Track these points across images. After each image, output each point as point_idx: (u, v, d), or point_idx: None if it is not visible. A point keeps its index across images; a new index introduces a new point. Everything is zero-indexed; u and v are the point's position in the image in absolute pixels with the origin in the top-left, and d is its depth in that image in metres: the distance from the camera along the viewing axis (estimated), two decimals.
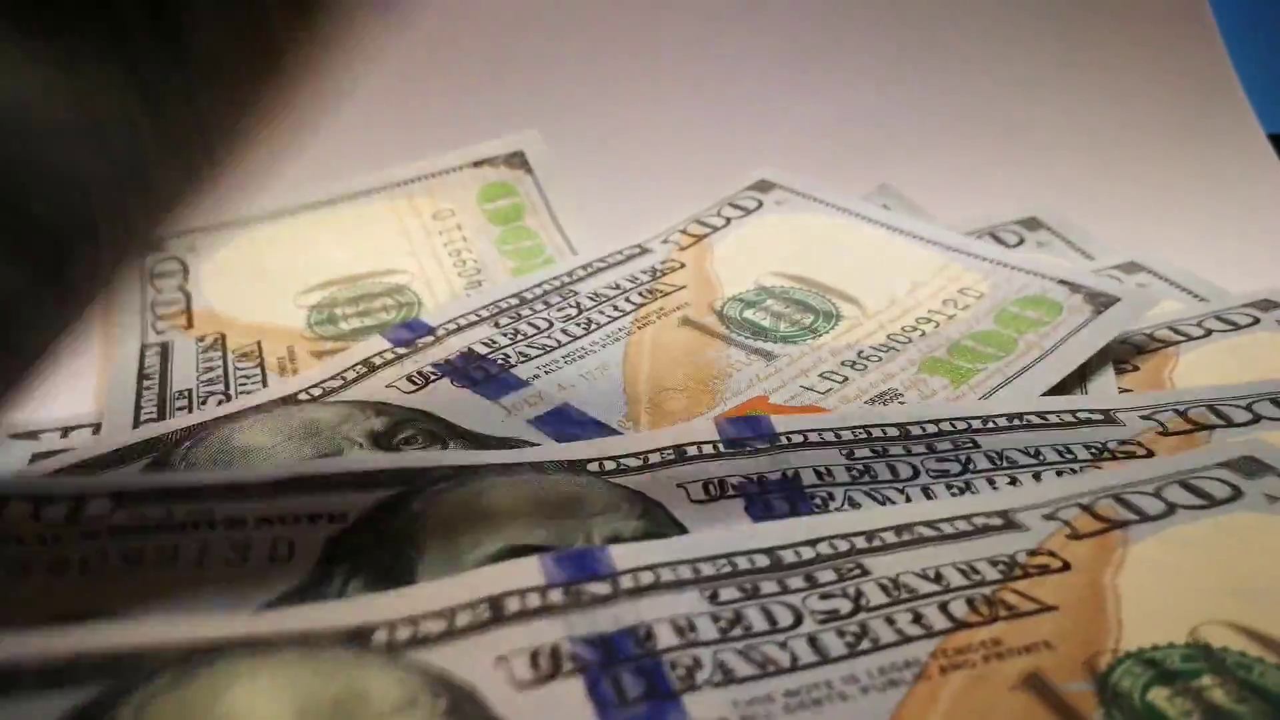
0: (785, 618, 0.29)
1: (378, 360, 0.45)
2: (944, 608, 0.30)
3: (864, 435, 0.39)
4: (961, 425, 0.39)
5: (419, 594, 0.29)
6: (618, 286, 0.50)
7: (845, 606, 0.30)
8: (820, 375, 0.44)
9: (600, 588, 0.29)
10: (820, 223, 0.55)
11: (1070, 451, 0.38)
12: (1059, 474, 0.37)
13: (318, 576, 0.32)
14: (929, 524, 0.33)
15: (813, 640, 0.29)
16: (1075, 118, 0.71)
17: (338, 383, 0.43)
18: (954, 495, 0.36)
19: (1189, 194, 0.66)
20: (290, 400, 0.42)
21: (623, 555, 0.31)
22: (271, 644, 0.27)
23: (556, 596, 0.29)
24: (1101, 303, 0.47)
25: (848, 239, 0.53)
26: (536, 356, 0.45)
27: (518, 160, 0.60)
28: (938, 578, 0.31)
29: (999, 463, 0.38)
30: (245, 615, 0.29)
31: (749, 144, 0.68)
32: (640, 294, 0.49)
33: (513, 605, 0.29)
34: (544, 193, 0.58)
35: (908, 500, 0.36)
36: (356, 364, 0.44)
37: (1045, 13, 0.73)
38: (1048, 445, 0.39)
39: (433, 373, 0.44)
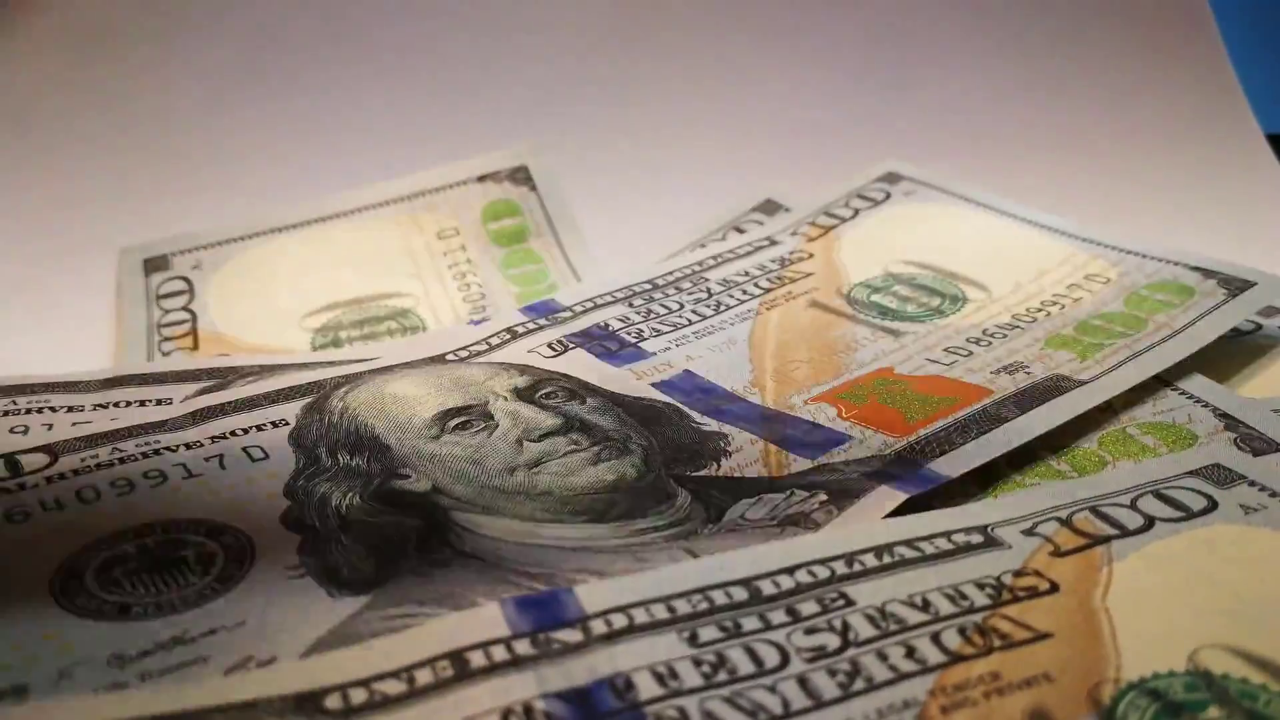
0: (771, 658, 0.26)
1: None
2: (936, 639, 0.27)
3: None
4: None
5: (372, 652, 0.25)
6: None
7: (833, 642, 0.27)
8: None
9: (570, 635, 0.26)
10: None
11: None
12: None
13: (312, 461, 0.37)
14: (909, 543, 0.31)
15: (803, 681, 0.26)
16: (1075, 118, 0.69)
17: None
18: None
19: (1188, 193, 0.65)
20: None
21: (592, 597, 0.27)
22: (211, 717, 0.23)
23: (524, 647, 0.26)
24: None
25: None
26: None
27: (522, 175, 0.58)
28: (925, 605, 0.29)
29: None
30: (178, 688, 0.25)
31: (752, 151, 0.67)
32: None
33: (477, 659, 0.25)
34: (547, 211, 0.57)
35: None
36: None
37: (1047, 13, 0.72)
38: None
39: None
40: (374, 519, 0.34)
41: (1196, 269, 0.47)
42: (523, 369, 0.42)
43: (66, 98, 0.64)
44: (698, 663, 0.26)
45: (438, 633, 0.26)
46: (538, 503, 0.35)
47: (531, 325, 0.46)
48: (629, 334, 0.45)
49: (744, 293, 0.49)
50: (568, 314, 0.47)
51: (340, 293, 0.52)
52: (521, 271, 0.54)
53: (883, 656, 0.27)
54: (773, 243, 0.53)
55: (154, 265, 0.54)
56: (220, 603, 0.31)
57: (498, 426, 0.38)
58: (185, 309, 0.51)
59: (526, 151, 0.58)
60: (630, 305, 0.48)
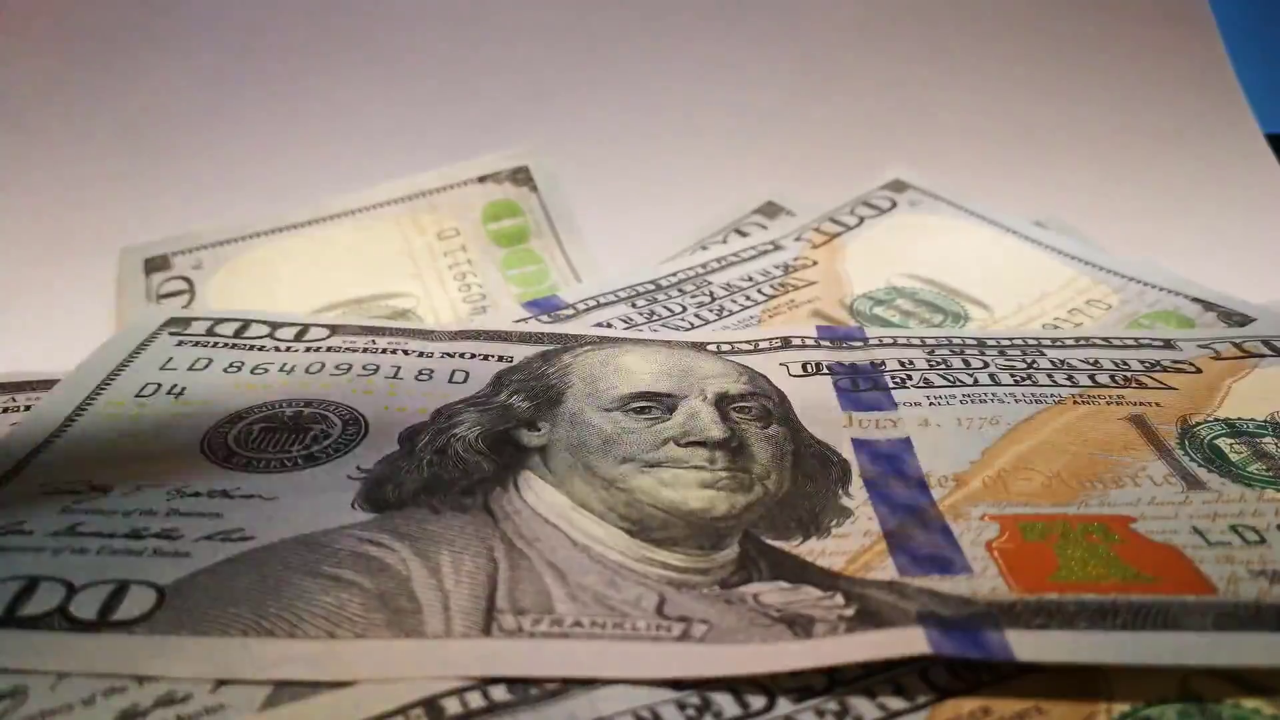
0: (757, 700, 0.25)
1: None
2: (924, 674, 0.26)
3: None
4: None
5: (343, 701, 0.24)
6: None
7: (820, 681, 0.26)
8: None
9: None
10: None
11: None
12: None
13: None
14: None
15: None
16: (1076, 118, 0.68)
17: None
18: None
19: (1187, 193, 0.64)
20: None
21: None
22: None
23: (500, 693, 0.24)
24: (1236, 321, 0.45)
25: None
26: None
27: (522, 176, 0.56)
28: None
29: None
30: None
31: (753, 152, 0.65)
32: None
33: (453, 707, 0.24)
34: (548, 212, 0.55)
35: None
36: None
37: (1046, 14, 0.71)
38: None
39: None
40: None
41: (1197, 301, 0.47)
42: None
43: (67, 98, 0.63)
44: (681, 706, 0.25)
45: (411, 679, 0.25)
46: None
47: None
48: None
49: (747, 298, 0.48)
50: (570, 311, 0.46)
51: (341, 293, 0.51)
52: (522, 272, 0.53)
53: (871, 694, 0.26)
54: (777, 247, 0.52)
55: (155, 265, 0.53)
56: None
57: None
58: (186, 309, 0.50)
59: (527, 152, 0.57)
60: (633, 305, 0.47)
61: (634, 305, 0.47)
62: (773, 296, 0.48)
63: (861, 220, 0.54)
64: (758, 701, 0.25)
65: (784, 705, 0.25)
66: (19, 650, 0.26)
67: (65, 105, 0.63)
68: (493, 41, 0.67)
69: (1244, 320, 0.45)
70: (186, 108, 0.64)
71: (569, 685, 0.25)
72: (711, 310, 0.47)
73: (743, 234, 0.54)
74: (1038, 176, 0.64)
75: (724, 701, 0.25)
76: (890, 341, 0.43)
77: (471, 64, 0.67)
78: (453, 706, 0.24)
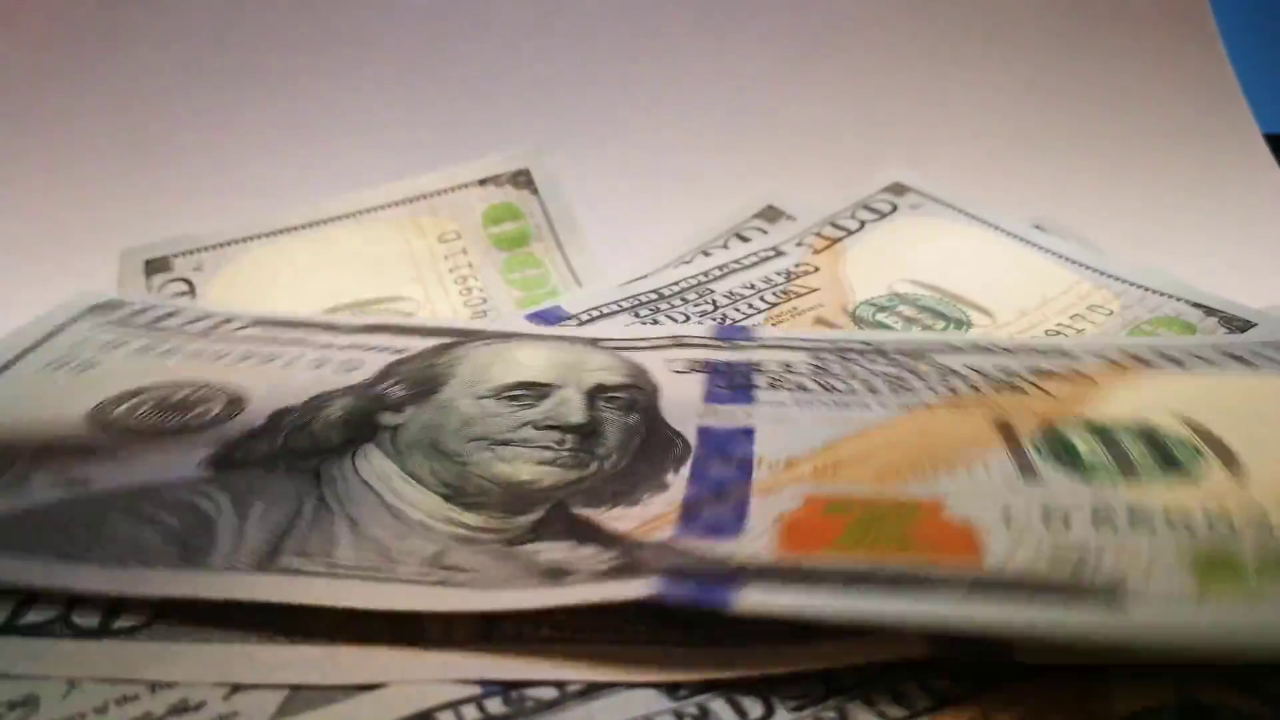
0: (755, 709, 0.25)
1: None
2: (923, 684, 0.26)
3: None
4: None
5: (333, 715, 0.23)
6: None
7: (818, 690, 0.25)
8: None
9: (545, 690, 0.24)
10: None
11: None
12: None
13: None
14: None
15: None
16: (1075, 118, 0.68)
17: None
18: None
19: (1186, 193, 0.63)
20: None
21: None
22: None
23: (495, 706, 0.24)
24: (1237, 326, 0.44)
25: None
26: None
27: (523, 179, 0.55)
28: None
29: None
30: None
31: (753, 155, 0.65)
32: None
33: None
34: (549, 216, 0.54)
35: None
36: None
37: (1045, 14, 0.70)
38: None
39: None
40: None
41: (1198, 306, 0.46)
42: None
43: (67, 96, 0.63)
44: (679, 715, 0.24)
45: (404, 692, 0.24)
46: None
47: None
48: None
49: (750, 306, 0.47)
50: (574, 322, 0.45)
51: (341, 296, 0.50)
52: (523, 275, 0.52)
53: (870, 702, 0.25)
54: (778, 253, 0.51)
55: (155, 267, 0.52)
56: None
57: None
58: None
59: (528, 155, 0.56)
60: (636, 315, 0.46)
61: (637, 315, 0.46)
62: (775, 304, 0.47)
63: (862, 224, 0.53)
64: (755, 710, 0.24)
65: (782, 714, 0.24)
66: None
67: (67, 105, 0.62)
68: (494, 41, 0.67)
69: (1245, 325, 0.44)
70: (189, 108, 0.63)
71: (564, 697, 0.24)
72: (714, 319, 0.46)
73: (744, 239, 0.54)
74: (1037, 177, 0.63)
75: (721, 710, 0.24)
76: (776, 344, 0.41)
77: (472, 64, 0.66)
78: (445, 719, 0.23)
